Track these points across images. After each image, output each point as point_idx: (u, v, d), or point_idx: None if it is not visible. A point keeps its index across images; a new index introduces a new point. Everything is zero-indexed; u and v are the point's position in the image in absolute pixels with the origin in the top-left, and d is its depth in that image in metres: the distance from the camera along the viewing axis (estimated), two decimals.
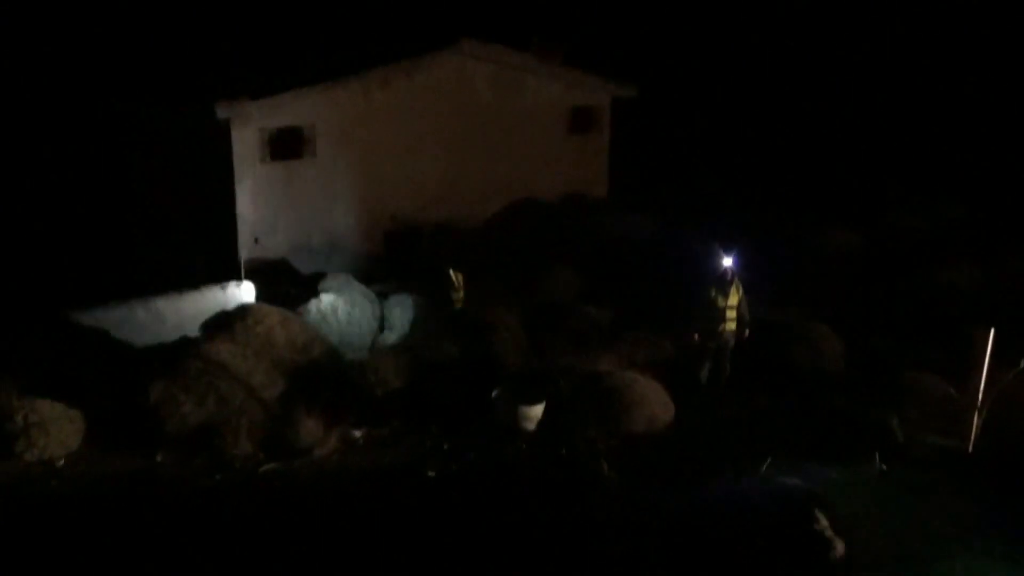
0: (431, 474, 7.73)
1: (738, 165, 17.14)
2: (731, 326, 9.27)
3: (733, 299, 9.21)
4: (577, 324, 10.76)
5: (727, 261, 9.22)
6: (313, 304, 10.82)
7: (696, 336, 9.28)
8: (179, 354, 8.78)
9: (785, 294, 11.54)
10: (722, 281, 9.21)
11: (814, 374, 9.59)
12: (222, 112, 11.45)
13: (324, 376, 9.04)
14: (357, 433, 8.63)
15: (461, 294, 11.17)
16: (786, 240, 12.80)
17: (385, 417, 8.78)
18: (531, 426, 8.56)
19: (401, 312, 11.24)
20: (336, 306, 10.81)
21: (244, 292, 11.15)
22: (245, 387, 8.55)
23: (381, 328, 11.18)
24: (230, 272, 11.85)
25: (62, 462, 7.92)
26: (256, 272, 11.89)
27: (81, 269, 12.57)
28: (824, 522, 6.27)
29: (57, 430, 7.96)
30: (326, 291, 10.98)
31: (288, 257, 12.46)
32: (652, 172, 16.87)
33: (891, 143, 18.23)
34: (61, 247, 13.35)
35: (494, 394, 8.74)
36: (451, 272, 11.14)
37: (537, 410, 8.60)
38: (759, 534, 6.35)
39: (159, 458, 8.07)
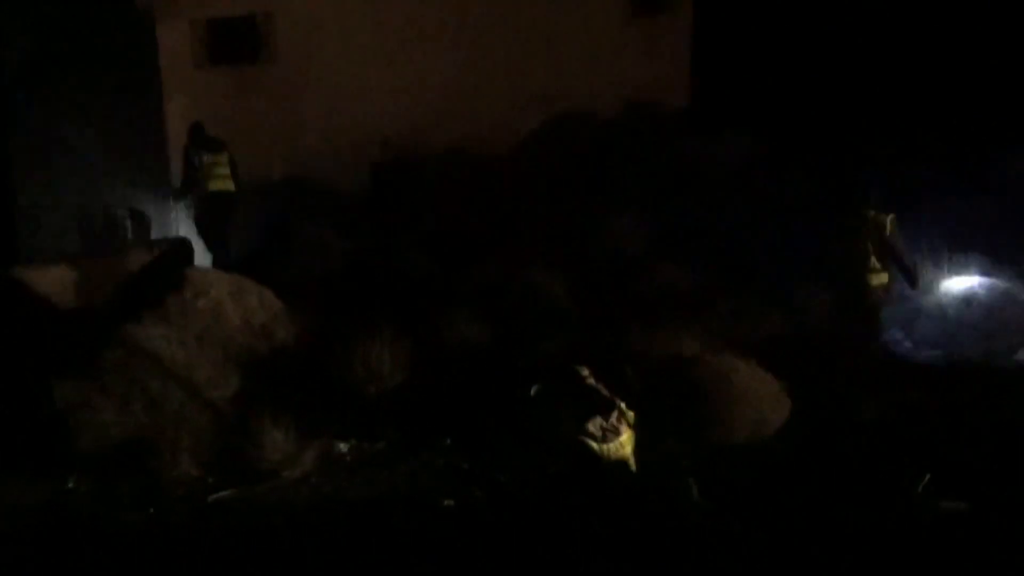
0: (447, 504, 7.75)
1: (878, 60, 16.70)
2: (880, 279, 9.28)
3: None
4: (648, 289, 10.75)
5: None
6: None
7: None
8: (93, 341, 8.84)
9: (949, 243, 11.35)
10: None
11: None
12: None
13: (295, 369, 9.08)
14: (343, 447, 8.69)
15: (220, 172, 11.39)
16: (951, 171, 12.54)
17: (381, 425, 8.83)
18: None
19: None
20: None
21: (180, 252, 11.22)
22: (186, 386, 8.61)
23: None
24: (159, 224, 11.95)
25: None
26: (197, 223, 11.95)
27: None
28: None
29: None
30: None
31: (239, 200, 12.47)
32: (754, 71, 16.49)
33: None
34: None
35: (533, 391, 8.71)
36: (193, 149, 11.34)
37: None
38: None
39: (71, 484, 8.18)
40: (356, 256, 11.69)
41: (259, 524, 7.59)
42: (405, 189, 13.34)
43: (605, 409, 7.36)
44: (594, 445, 7.31)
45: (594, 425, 7.31)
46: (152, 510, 7.82)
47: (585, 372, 7.63)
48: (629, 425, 7.45)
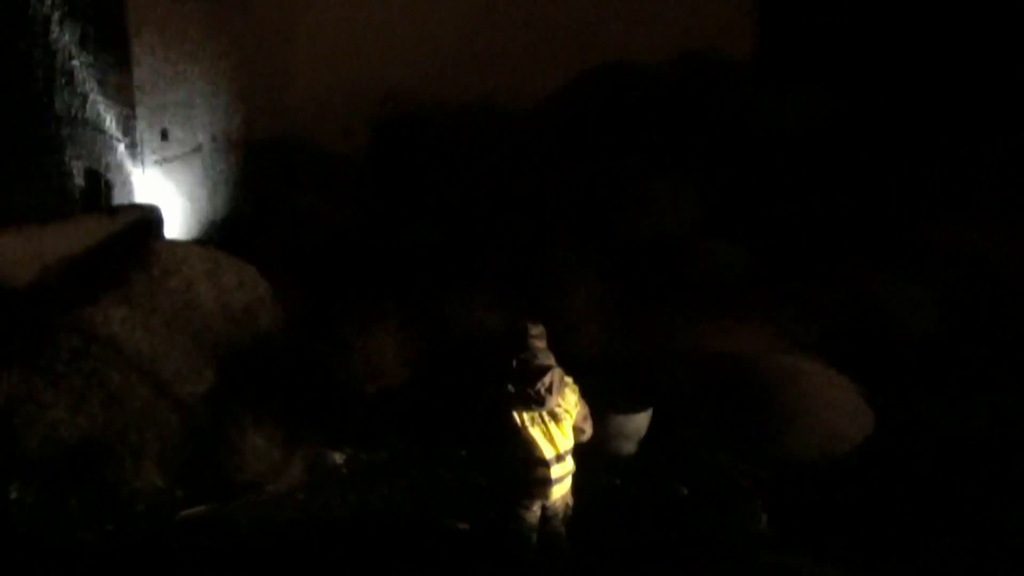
0: (461, 527, 7.76)
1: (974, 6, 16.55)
2: None
3: None
4: (698, 272, 10.78)
5: None
6: None
7: None
8: (43, 325, 8.83)
9: None
10: None
11: None
12: None
13: (281, 363, 9.07)
14: (336, 457, 8.68)
15: None
16: None
17: (382, 432, 8.83)
18: (630, 447, 8.59)
19: None
20: None
21: (147, 220, 11.20)
22: (151, 380, 8.58)
23: None
24: (122, 187, 11.90)
25: None
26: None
27: None
28: None
29: None
30: None
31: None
32: (831, 16, 16.34)
33: None
34: None
35: None
36: None
37: (639, 422, 8.59)
38: None
39: (13, 494, 8.11)
40: (353, 229, 11.73)
41: (236, 546, 7.52)
42: (411, 151, 13.39)
43: (533, 374, 7.12)
44: (513, 412, 7.09)
45: (514, 386, 7.11)
46: (109, 527, 7.75)
47: (535, 331, 7.41)
48: (566, 404, 7.19)
